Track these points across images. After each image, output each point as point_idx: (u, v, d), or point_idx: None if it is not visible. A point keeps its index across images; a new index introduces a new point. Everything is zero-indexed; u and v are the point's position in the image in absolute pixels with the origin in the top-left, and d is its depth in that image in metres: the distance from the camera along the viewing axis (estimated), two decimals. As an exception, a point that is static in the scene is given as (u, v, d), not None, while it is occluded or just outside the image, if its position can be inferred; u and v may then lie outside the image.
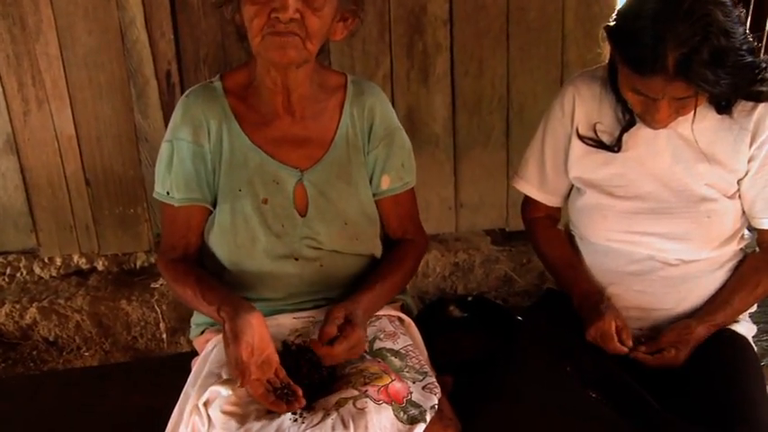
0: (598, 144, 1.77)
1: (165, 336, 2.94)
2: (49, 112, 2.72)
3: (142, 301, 2.91)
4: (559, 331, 1.75)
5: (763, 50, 2.83)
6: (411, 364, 1.63)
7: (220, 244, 1.72)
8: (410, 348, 1.69)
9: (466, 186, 3.01)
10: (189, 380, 1.65)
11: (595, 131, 1.78)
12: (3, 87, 2.67)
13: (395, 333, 1.72)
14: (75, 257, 2.98)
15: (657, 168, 1.73)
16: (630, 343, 1.69)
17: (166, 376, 1.85)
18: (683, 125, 1.68)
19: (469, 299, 2.12)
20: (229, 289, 1.65)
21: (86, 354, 2.89)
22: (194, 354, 1.83)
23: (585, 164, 1.80)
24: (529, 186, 1.94)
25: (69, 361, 2.86)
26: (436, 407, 1.49)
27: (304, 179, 1.71)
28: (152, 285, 2.94)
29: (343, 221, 1.73)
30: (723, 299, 1.75)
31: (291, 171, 1.70)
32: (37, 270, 2.99)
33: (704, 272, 1.77)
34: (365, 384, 1.48)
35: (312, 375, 1.54)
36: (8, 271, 2.98)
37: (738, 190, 1.73)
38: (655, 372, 1.67)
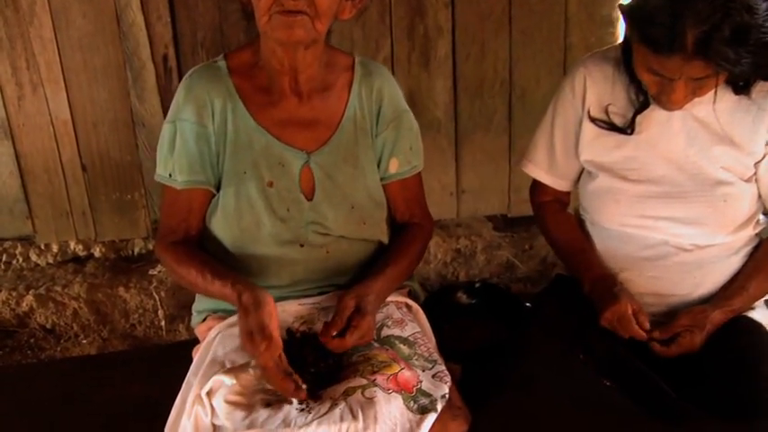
0: (610, 126, 1.74)
1: (163, 323, 2.93)
2: (43, 96, 2.69)
3: (140, 289, 2.90)
4: (571, 318, 1.72)
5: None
6: (420, 351, 1.60)
7: (224, 228, 1.68)
8: (418, 336, 1.66)
9: (467, 172, 2.99)
10: (191, 369, 1.62)
11: (607, 113, 1.74)
12: (-4, 71, 2.63)
13: (402, 320, 1.69)
14: (72, 244, 2.97)
15: (671, 151, 1.70)
16: (648, 326, 1.66)
17: (165, 365, 1.83)
18: (698, 107, 1.64)
19: (477, 285, 2.07)
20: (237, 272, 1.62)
21: (84, 341, 2.88)
22: (194, 342, 1.80)
23: (597, 147, 1.77)
24: (538, 170, 1.91)
25: (67, 349, 2.85)
26: (447, 396, 1.47)
27: (311, 162, 1.67)
28: (150, 272, 2.92)
29: (350, 205, 1.70)
30: (739, 285, 1.72)
31: (298, 153, 1.66)
32: (33, 257, 2.97)
33: (719, 257, 1.74)
34: (374, 373, 1.45)
35: (318, 364, 1.51)
36: (4, 258, 2.96)
37: (755, 173, 1.70)
38: (670, 359, 1.64)
